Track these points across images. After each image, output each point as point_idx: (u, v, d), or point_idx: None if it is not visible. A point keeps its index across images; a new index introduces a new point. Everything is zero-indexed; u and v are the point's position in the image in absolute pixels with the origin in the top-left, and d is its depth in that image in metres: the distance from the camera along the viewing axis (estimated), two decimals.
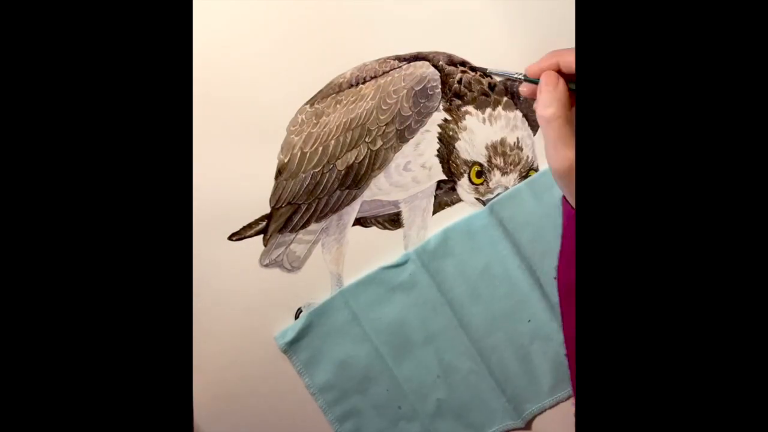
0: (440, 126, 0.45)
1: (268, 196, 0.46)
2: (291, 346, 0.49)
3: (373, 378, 0.49)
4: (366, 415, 0.50)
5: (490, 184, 0.46)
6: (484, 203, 0.46)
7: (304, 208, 0.47)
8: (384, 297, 0.49)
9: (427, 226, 0.48)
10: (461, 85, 0.44)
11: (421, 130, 0.45)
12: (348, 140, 0.45)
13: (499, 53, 0.44)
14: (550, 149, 0.39)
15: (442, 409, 0.49)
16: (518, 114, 0.45)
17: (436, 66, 0.44)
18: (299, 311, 0.49)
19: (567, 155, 0.38)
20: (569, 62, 0.39)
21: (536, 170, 0.46)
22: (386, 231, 0.48)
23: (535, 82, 0.40)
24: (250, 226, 0.47)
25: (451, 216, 0.48)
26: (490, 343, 0.48)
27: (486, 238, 0.47)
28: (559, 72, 0.39)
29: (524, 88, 0.41)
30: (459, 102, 0.44)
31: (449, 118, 0.45)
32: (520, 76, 0.41)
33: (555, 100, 0.38)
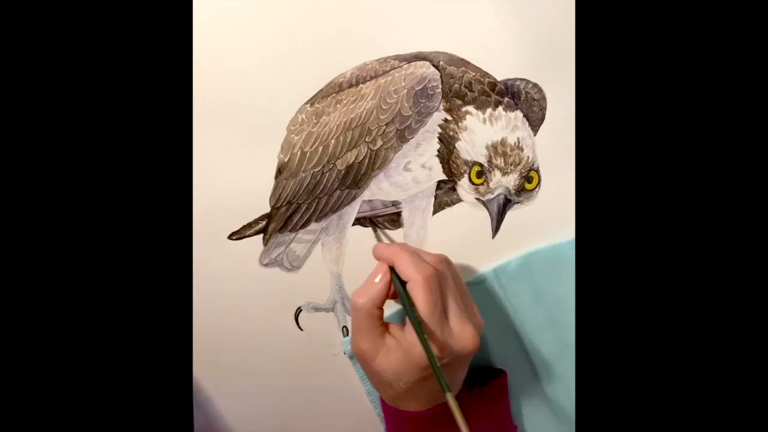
0: (440, 126, 0.45)
1: (268, 196, 0.46)
2: None
3: None
4: None
5: (491, 184, 0.46)
6: (484, 203, 0.46)
7: (304, 207, 0.47)
8: None
9: (427, 226, 0.48)
10: (462, 85, 0.44)
11: (422, 130, 0.45)
12: (348, 140, 0.45)
13: (499, 53, 0.44)
14: (351, 331, 0.41)
15: None
16: (519, 114, 0.45)
17: (436, 66, 0.44)
18: (299, 311, 0.49)
19: (358, 344, 0.40)
20: (400, 270, 0.39)
21: (536, 171, 0.46)
22: (386, 231, 0.48)
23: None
24: (249, 225, 0.47)
25: (451, 216, 0.48)
26: (558, 371, 0.48)
27: (569, 268, 0.47)
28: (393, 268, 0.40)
29: (373, 252, 0.43)
30: (459, 102, 0.44)
31: (449, 118, 0.45)
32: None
33: (367, 294, 0.40)
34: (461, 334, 0.38)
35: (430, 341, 0.37)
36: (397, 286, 0.40)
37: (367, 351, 0.40)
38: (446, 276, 0.40)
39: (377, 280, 0.40)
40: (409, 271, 0.38)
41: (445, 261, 0.42)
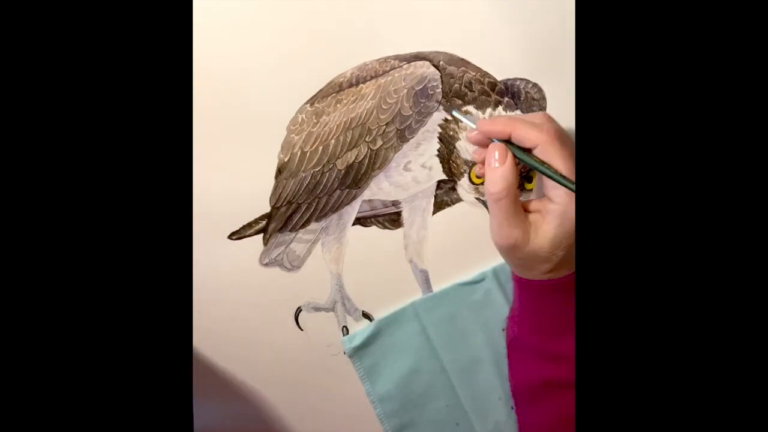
0: (440, 126, 0.45)
1: (268, 195, 0.46)
2: (356, 352, 0.49)
3: (434, 393, 0.49)
4: (422, 430, 0.50)
5: None
6: (484, 203, 0.46)
7: (304, 207, 0.47)
8: (456, 313, 0.49)
9: (427, 226, 0.48)
10: (462, 85, 0.44)
11: (422, 129, 0.45)
12: (348, 140, 0.45)
13: (499, 53, 0.44)
14: (495, 226, 0.39)
15: (500, 431, 0.49)
16: (519, 114, 0.45)
17: (436, 66, 0.44)
18: (299, 310, 0.49)
19: (511, 234, 0.38)
20: (521, 137, 0.38)
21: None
22: (386, 231, 0.48)
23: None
24: (249, 225, 0.47)
25: (451, 216, 0.48)
26: None
27: None
28: (509, 141, 0.39)
29: (473, 137, 0.41)
30: (459, 102, 0.44)
31: (450, 117, 0.45)
32: (473, 126, 0.40)
33: (503, 178, 0.38)
34: None
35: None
36: (523, 159, 0.38)
37: (520, 237, 0.38)
38: (563, 129, 0.39)
39: (497, 163, 0.38)
40: (533, 134, 0.37)
41: (549, 116, 0.40)
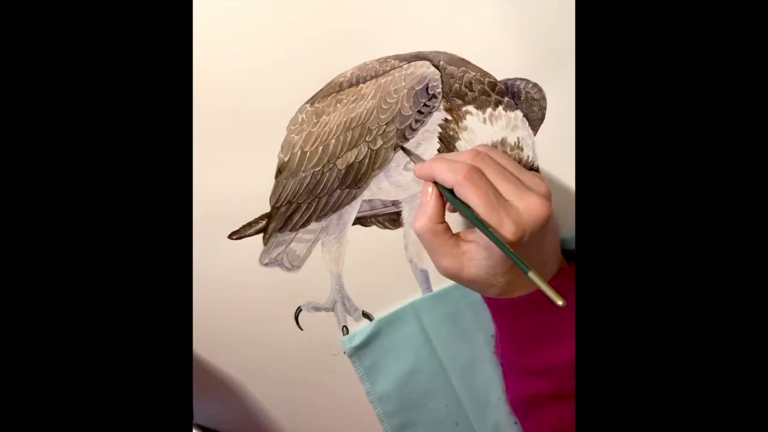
0: (441, 126, 0.45)
1: (268, 195, 0.46)
2: (356, 351, 0.49)
3: (434, 393, 0.49)
4: (422, 429, 0.50)
5: None
6: None
7: (304, 207, 0.47)
8: (455, 313, 0.49)
9: None
10: (462, 85, 0.44)
11: (422, 129, 0.45)
12: (348, 139, 0.45)
13: (499, 53, 0.44)
14: (429, 255, 0.41)
15: (499, 431, 0.49)
16: (519, 114, 0.45)
17: (436, 66, 0.44)
18: (299, 310, 0.49)
19: (440, 263, 0.40)
20: (441, 179, 0.38)
21: (536, 170, 0.46)
22: (386, 230, 0.48)
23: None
24: (249, 224, 0.47)
25: (451, 216, 0.48)
26: None
27: None
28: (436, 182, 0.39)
29: (417, 171, 0.41)
30: (460, 102, 0.44)
31: (450, 117, 0.45)
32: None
33: (423, 215, 0.39)
34: (527, 207, 0.37)
35: (500, 229, 0.36)
36: (447, 197, 0.39)
37: (452, 267, 0.39)
38: (487, 163, 0.39)
39: (428, 198, 0.39)
40: (448, 177, 0.38)
41: (482, 150, 0.40)
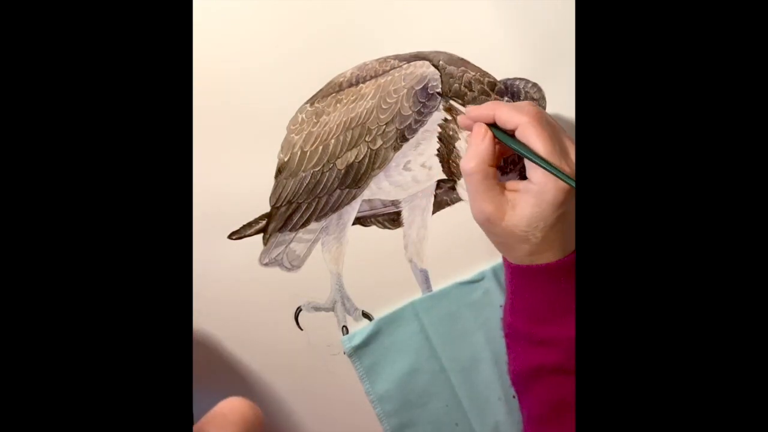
0: (440, 125, 0.45)
1: (268, 195, 0.46)
2: (356, 351, 0.49)
3: (434, 392, 0.49)
4: (421, 430, 0.50)
5: None
6: None
7: (304, 207, 0.47)
8: (455, 313, 0.49)
9: (427, 226, 0.48)
10: (461, 85, 0.44)
11: (421, 129, 0.45)
12: (348, 139, 0.45)
13: (499, 53, 0.44)
14: (470, 201, 0.41)
15: (499, 431, 0.49)
16: None
17: (436, 66, 0.44)
18: (299, 310, 0.49)
19: (482, 208, 0.40)
20: (503, 119, 0.39)
21: None
22: (386, 230, 0.48)
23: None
24: (249, 224, 0.47)
25: (451, 215, 0.48)
26: None
27: None
28: (494, 125, 0.40)
29: (462, 121, 0.43)
30: (459, 102, 0.44)
31: (449, 117, 0.45)
32: (464, 111, 0.43)
33: (476, 156, 0.40)
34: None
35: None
36: (502, 138, 0.40)
37: (494, 212, 0.39)
38: (548, 115, 0.40)
39: (480, 140, 0.40)
40: (515, 116, 0.39)
41: (534, 103, 0.41)
